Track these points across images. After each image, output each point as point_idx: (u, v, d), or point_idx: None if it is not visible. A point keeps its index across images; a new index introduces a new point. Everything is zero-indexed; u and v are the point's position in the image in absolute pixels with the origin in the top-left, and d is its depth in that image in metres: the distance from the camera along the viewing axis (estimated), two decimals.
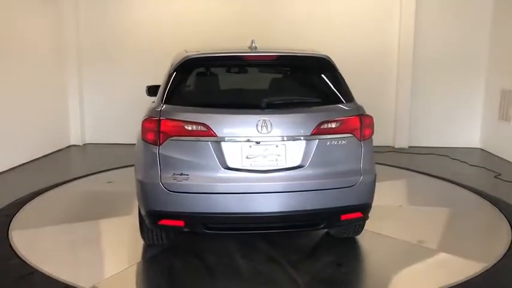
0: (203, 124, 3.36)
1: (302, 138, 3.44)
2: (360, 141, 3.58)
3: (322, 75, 3.86)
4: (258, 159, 3.41)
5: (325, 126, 3.49)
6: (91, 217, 4.92)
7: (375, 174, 3.68)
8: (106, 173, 6.85)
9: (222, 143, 3.38)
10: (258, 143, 3.41)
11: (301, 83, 4.08)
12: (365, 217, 3.72)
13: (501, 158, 8.08)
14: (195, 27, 8.60)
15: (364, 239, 4.30)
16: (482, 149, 8.89)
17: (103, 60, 9.04)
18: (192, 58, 3.71)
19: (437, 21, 8.79)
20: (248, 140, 3.40)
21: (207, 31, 8.44)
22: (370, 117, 3.67)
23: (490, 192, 5.93)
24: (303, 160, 3.45)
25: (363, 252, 4.23)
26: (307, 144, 3.45)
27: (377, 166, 3.81)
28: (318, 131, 3.46)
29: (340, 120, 3.53)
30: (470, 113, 8.99)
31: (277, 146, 3.44)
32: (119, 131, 8.77)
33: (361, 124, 3.58)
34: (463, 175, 6.96)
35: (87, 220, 4.84)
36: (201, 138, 3.36)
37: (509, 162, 7.77)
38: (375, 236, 4.38)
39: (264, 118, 3.38)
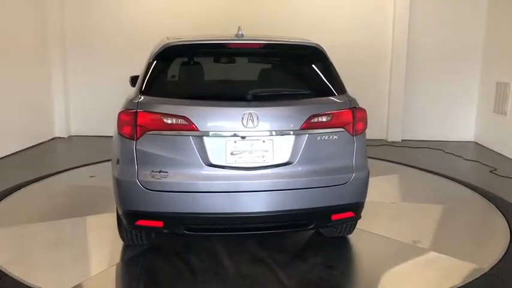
0: (183, 117, 3.12)
1: (291, 132, 3.22)
2: (353, 136, 3.37)
3: (313, 65, 3.63)
4: (244, 156, 3.19)
5: (316, 120, 3.26)
6: (70, 214, 4.67)
7: (368, 171, 3.47)
8: (89, 166, 6.60)
9: (205, 138, 3.14)
10: (243, 138, 3.18)
11: (290, 74, 3.84)
12: (357, 217, 3.52)
13: (496, 152, 7.93)
14: (184, 18, 8.35)
15: (356, 238, 4.10)
16: (476, 143, 8.75)
17: (89, 48, 8.75)
18: (173, 46, 3.46)
19: (431, 12, 8.61)
20: (233, 135, 3.17)
21: (195, 22, 8.17)
22: (364, 111, 3.45)
23: (485, 187, 5.77)
24: (291, 156, 3.23)
25: (354, 253, 4.03)
26: (296, 140, 3.23)
27: (369, 160, 3.61)
28: (307, 125, 3.23)
29: (332, 113, 3.31)
30: (464, 106, 8.83)
31: (264, 141, 3.21)
32: (106, 122, 8.34)
33: (353, 118, 3.36)
34: (458, 170, 6.82)
35: (65, 218, 4.60)
36: (182, 132, 3.13)
37: (504, 156, 7.62)
38: (368, 236, 4.19)
39: (249, 111, 3.15)
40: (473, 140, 8.86)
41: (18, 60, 7.63)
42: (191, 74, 3.70)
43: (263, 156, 3.20)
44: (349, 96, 3.48)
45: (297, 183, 3.22)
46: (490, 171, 6.70)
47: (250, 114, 3.15)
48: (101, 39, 8.73)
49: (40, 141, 8.25)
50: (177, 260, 3.70)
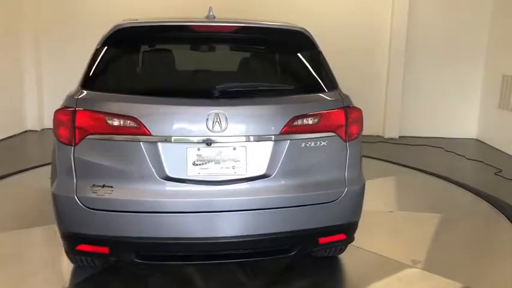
0: (133, 118, 2.49)
1: (269, 138, 2.60)
2: (345, 142, 2.75)
3: (298, 55, 2.99)
4: (209, 167, 2.56)
5: (300, 122, 2.64)
6: (18, 225, 4.04)
7: (364, 184, 2.86)
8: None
9: (160, 145, 2.52)
10: (208, 144, 2.55)
11: (269, 65, 3.21)
12: (349, 239, 2.91)
13: (500, 150, 7.37)
14: (163, 3, 7.68)
15: (348, 258, 3.50)
16: (478, 140, 8.20)
17: (65, 33, 8.06)
18: (124, 28, 2.80)
19: (433, 1, 8.00)
20: (195, 141, 2.54)
21: (175, 6, 7.49)
22: (359, 111, 2.83)
23: (491, 192, 5.20)
24: (269, 168, 2.61)
25: (345, 276, 3.43)
26: (275, 147, 2.61)
27: (364, 160, 3.03)
28: (289, 129, 2.61)
29: (320, 114, 2.69)
30: (466, 101, 8.27)
31: (234, 149, 2.58)
32: None
33: (346, 120, 2.74)
34: (460, 171, 6.27)
35: (12, 229, 3.96)
36: (130, 137, 2.50)
37: (510, 156, 7.05)
38: (362, 254, 3.58)
39: (217, 111, 2.52)
40: (475, 137, 8.31)
41: None
42: (147, 64, 3.04)
43: (234, 168, 2.58)
44: (342, 93, 2.86)
45: (276, 201, 2.61)
46: (495, 173, 6.15)
47: (217, 114, 2.52)
48: (76, 25, 8.05)
49: (9, 135, 7.62)
50: (137, 285, 3.10)
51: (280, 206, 2.61)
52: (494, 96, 7.64)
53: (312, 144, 2.65)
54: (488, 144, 7.83)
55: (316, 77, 2.89)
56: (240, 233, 2.60)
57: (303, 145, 2.64)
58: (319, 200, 2.68)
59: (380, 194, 5.04)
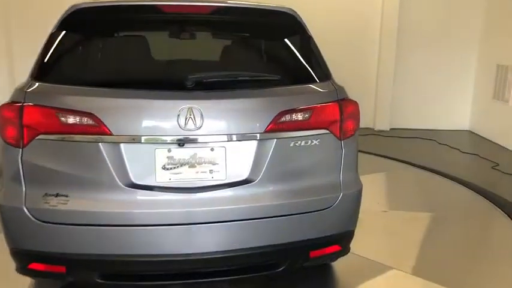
0: (90, 115, 2.10)
1: (252, 137, 2.23)
2: (340, 140, 2.39)
3: (285, 40, 2.61)
4: (182, 171, 2.19)
5: (288, 118, 2.27)
6: None
7: (361, 188, 2.51)
8: None
9: (123, 146, 2.13)
10: (181, 145, 2.18)
11: (252, 51, 2.82)
12: (345, 250, 2.57)
13: (495, 143, 7.09)
14: None
15: (342, 265, 3.15)
16: (471, 132, 7.93)
17: (39, 14, 7.52)
18: (83, 9, 2.38)
19: None
20: (165, 141, 2.16)
21: None
22: (355, 104, 2.48)
23: (489, 188, 4.92)
24: (252, 171, 2.25)
25: (339, 286, 3.09)
26: (259, 147, 2.24)
27: None
28: (276, 126, 2.25)
29: (311, 108, 2.32)
30: (459, 91, 7.98)
31: (212, 150, 2.21)
32: None
33: (341, 114, 2.38)
34: (455, 165, 5.95)
35: None
36: (88, 137, 2.11)
37: (505, 148, 6.78)
38: (356, 261, 3.24)
39: (190, 105, 2.15)
40: (468, 129, 8.03)
41: None
42: (109, 51, 2.62)
43: (211, 172, 2.21)
44: (335, 84, 2.49)
45: (261, 210, 2.25)
46: (492, 167, 5.86)
47: (191, 109, 2.14)
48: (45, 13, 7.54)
49: None
50: None
51: (266, 215, 2.25)
52: (489, 86, 7.35)
53: (302, 144, 2.29)
54: (481, 136, 7.56)
55: (306, 65, 2.52)
56: (217, 249, 2.23)
57: (291, 144, 2.28)
58: (311, 208, 2.33)
59: (372, 192, 4.71)
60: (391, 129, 7.95)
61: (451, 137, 7.43)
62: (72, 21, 2.38)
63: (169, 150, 2.17)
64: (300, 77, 2.48)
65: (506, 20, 6.93)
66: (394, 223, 4.08)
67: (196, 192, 2.19)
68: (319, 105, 2.34)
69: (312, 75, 2.47)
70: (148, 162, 2.15)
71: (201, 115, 2.14)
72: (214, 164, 2.21)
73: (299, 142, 2.28)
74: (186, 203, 2.17)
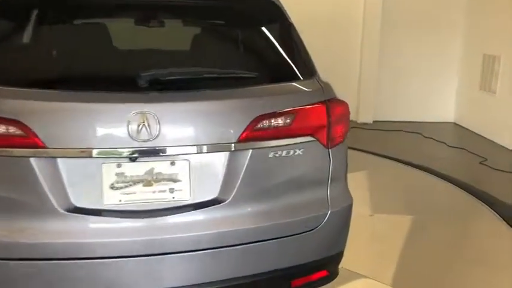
0: (17, 123, 1.67)
1: (222, 147, 1.83)
2: (327, 148, 2.01)
3: (262, 28, 2.20)
4: (136, 191, 1.78)
5: (266, 124, 1.88)
6: None
7: (351, 202, 2.15)
8: None
9: (60, 162, 1.71)
10: (133, 158, 1.76)
11: (225, 43, 2.39)
12: (332, 275, 2.20)
13: (481, 135, 6.85)
14: None
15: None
16: (456, 124, 7.67)
17: None
18: None
19: None
20: (114, 155, 1.74)
21: None
22: (344, 105, 2.10)
23: (478, 185, 4.68)
24: (223, 189, 1.85)
25: None
26: (231, 159, 1.85)
27: None
28: (252, 134, 1.85)
29: (293, 112, 1.93)
30: (444, 82, 7.70)
31: (172, 164, 1.81)
32: None
33: (328, 118, 2.00)
34: (442, 161, 5.67)
35: None
36: (15, 151, 1.68)
37: (491, 141, 6.54)
38: (342, 276, 2.88)
39: (143, 109, 1.72)
40: (452, 121, 7.77)
41: None
42: (43, 41, 2.16)
43: (172, 191, 1.81)
44: (321, 81, 2.11)
45: (234, 236, 1.86)
46: (480, 163, 5.60)
47: (144, 115, 1.72)
48: None
49: None
50: None
51: (240, 242, 1.86)
52: (475, 77, 7.07)
53: (283, 154, 1.90)
54: (467, 129, 7.31)
55: (288, 59, 2.12)
56: (182, 283, 1.84)
57: (270, 155, 1.89)
58: (294, 230, 1.95)
59: (356, 192, 4.32)
60: (375, 121, 7.64)
61: (436, 129, 7.15)
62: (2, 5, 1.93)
63: (118, 166, 1.76)
64: (280, 74, 2.08)
65: (492, 8, 6.64)
66: (381, 228, 3.78)
67: (153, 216, 1.78)
68: (303, 107, 1.95)
69: (294, 71, 2.08)
70: (92, 180, 1.74)
71: (158, 122, 1.73)
72: (175, 181, 1.81)
73: (279, 152, 1.89)
74: (141, 229, 1.77)
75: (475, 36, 7.20)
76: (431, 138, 6.66)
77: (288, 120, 1.91)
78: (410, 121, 7.56)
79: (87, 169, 1.73)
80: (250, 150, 1.85)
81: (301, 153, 1.93)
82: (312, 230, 1.98)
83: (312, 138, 1.96)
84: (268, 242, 1.90)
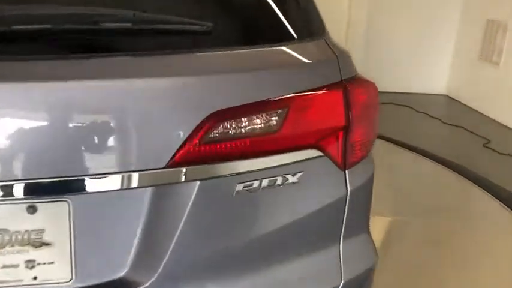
0: None
1: (139, 179, 0.88)
2: (343, 169, 1.09)
3: None
4: None
5: (228, 130, 0.93)
6: None
7: (375, 262, 1.26)
8: None
9: None
10: None
11: None
12: None
13: (479, 112, 6.12)
14: None
15: None
16: (449, 97, 6.93)
17: None
18: None
19: None
20: None
21: None
22: (372, 88, 1.18)
23: (486, 175, 3.94)
24: (138, 260, 0.92)
25: None
26: (157, 202, 0.91)
27: None
28: (199, 151, 0.90)
29: (282, 104, 0.98)
30: (437, 50, 6.90)
31: (33, 211, 0.86)
32: None
33: (347, 113, 1.07)
34: (439, 141, 5.00)
35: None
36: None
37: (492, 119, 5.83)
38: None
39: None
40: (444, 93, 7.03)
41: None
42: None
43: (32, 266, 0.88)
44: (334, 46, 1.17)
45: None
46: (484, 145, 4.89)
47: None
48: None
49: None
50: None
51: None
52: (474, 45, 6.28)
53: (264, 186, 0.98)
54: (462, 103, 6.58)
55: (272, 4, 1.16)
56: None
57: (238, 189, 0.96)
58: None
59: None
60: None
61: (428, 102, 6.43)
62: None
63: None
64: (258, 29, 1.13)
65: None
66: (381, 234, 3.00)
67: None
68: (300, 94, 1.01)
69: (284, 25, 1.12)
70: None
71: None
72: (39, 245, 0.87)
73: (255, 183, 0.97)
74: None
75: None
76: (424, 113, 5.92)
77: (273, 121, 0.97)
78: (399, 91, 6.75)
79: None
80: (198, 182, 0.91)
81: (296, 181, 1.01)
82: None
83: (317, 153, 1.04)
84: None
